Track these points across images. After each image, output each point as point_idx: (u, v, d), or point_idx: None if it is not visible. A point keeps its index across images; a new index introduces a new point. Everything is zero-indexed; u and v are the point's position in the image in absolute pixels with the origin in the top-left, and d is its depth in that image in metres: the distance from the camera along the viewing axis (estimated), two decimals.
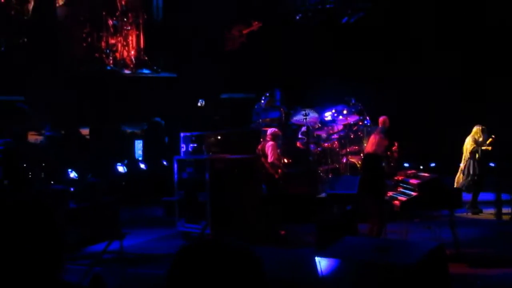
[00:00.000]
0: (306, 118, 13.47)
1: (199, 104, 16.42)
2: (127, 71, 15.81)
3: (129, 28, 16.04)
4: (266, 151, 11.62)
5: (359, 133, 14.11)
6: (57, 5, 14.64)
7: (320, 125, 14.23)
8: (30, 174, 12.61)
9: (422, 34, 16.68)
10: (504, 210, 12.92)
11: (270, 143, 11.55)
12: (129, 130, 16.26)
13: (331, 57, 15.89)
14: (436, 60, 16.41)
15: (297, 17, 16.50)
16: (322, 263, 5.77)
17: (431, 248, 6.09)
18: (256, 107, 14.46)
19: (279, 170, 11.66)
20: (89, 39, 15.49)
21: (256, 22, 16.57)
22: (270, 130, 11.95)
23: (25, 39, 14.68)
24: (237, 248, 2.16)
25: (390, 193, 12.05)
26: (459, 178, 13.92)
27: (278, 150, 11.92)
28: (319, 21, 16.60)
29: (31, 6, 14.25)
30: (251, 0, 17.03)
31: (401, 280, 5.63)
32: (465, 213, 13.50)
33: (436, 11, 15.84)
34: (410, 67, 15.76)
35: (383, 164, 12.02)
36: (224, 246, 2.14)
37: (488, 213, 13.56)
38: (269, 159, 11.52)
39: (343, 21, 16.98)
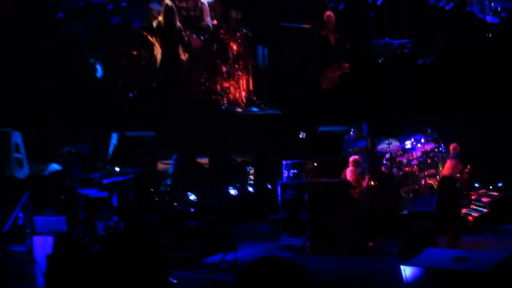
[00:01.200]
0: (389, 147, 14.27)
1: (300, 136, 17.11)
2: (238, 109, 16.37)
3: (240, 73, 16.56)
4: (346, 175, 12.34)
5: (435, 158, 14.69)
6: (180, 56, 15.78)
7: (401, 152, 14.88)
8: (156, 198, 13.54)
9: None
10: None
11: (350, 168, 12.31)
12: (240, 159, 17.02)
13: (409, 93, 16.13)
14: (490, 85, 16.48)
15: (380, 61, 17.53)
16: (406, 271, 6.29)
17: (502, 257, 6.32)
18: (346, 137, 15.31)
19: (357, 190, 12.16)
20: (207, 83, 16.33)
21: (347, 65, 17.43)
22: (351, 158, 12.62)
23: (154, 84, 15.70)
24: (287, 263, 2.79)
25: (464, 210, 13.21)
26: None
27: (357, 175, 12.38)
28: (399, 63, 17.70)
29: (158, 57, 15.25)
30: (343, 46, 17.75)
31: (475, 285, 6.04)
32: None
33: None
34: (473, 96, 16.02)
35: (457, 185, 12.23)
36: (279, 261, 2.79)
37: None
38: (350, 179, 12.16)
39: (419, 62, 17.73)
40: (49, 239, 9.33)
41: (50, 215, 10.42)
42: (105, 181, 11.96)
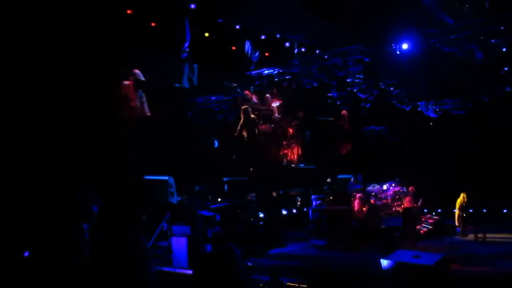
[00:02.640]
0: (374, 188, 16.92)
1: (328, 180, 18.73)
2: (293, 165, 18.69)
3: (294, 145, 19.02)
4: (354, 204, 15.26)
5: (401, 195, 16.65)
6: (258, 137, 17.56)
7: (381, 192, 16.93)
8: (241, 216, 15.65)
9: None
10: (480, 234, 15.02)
11: (356, 201, 15.29)
12: (293, 193, 19.44)
13: (385, 158, 19.01)
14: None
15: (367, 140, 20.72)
16: (384, 263, 8.54)
17: (441, 257, 8.99)
18: (349, 183, 16.96)
19: (359, 214, 15.08)
20: (275, 150, 18.56)
21: (351, 144, 20.34)
22: (358, 195, 15.48)
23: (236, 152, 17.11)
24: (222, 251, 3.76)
25: (418, 227, 15.54)
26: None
27: (360, 205, 15.25)
28: (378, 140, 20.71)
29: (245, 133, 17.04)
30: (350, 131, 20.53)
31: (425, 274, 8.25)
32: (458, 236, 15.71)
33: None
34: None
35: (414, 211, 14.89)
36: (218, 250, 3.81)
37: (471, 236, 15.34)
38: (355, 208, 15.28)
39: (391, 140, 20.77)
40: (182, 239, 11.79)
41: (182, 225, 12.35)
42: (212, 207, 14.62)
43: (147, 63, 14.55)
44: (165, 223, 12.58)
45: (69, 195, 9.02)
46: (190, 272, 9.73)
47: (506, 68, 13.94)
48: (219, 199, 15.52)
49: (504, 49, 11.84)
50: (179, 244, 11.66)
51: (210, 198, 15.44)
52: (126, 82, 14.73)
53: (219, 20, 15.15)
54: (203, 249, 11.85)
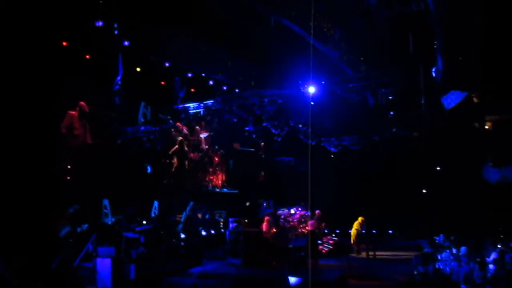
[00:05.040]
0: (283, 212, 16.81)
1: (246, 204, 18.96)
2: (217, 189, 18.94)
3: (218, 171, 19.43)
4: (263, 227, 14.82)
5: (306, 219, 16.33)
6: (186, 164, 17.56)
7: (289, 215, 16.91)
8: (164, 237, 14.74)
9: None
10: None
11: (265, 223, 14.90)
12: (217, 214, 18.26)
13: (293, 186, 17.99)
14: None
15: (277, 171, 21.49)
16: (291, 279, 9.41)
17: (340, 273, 9.89)
18: (262, 207, 17.09)
19: (267, 235, 14.72)
20: (202, 175, 18.75)
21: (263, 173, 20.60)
22: (266, 218, 15.15)
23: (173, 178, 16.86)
24: None
25: (320, 247, 15.55)
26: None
27: (268, 227, 14.83)
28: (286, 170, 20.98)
29: (176, 163, 17.09)
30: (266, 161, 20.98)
31: (326, 287, 9.02)
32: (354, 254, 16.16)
33: None
34: None
35: (317, 232, 15.00)
36: None
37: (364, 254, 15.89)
38: (264, 230, 14.79)
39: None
40: (106, 260, 10.85)
41: (106, 246, 11.58)
42: (137, 229, 13.87)
43: (86, 92, 14.37)
44: (90, 245, 11.75)
45: None
46: None
47: (392, 113, 14.82)
48: (144, 222, 15.05)
49: (390, 97, 12.83)
50: (104, 265, 10.82)
51: (138, 219, 15.00)
52: (72, 113, 14.63)
53: (150, 58, 15.05)
54: (127, 270, 11.22)
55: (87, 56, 13.88)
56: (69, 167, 13.87)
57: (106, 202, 14.27)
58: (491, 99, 14.99)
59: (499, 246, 12.36)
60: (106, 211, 14.30)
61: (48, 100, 12.44)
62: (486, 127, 16.20)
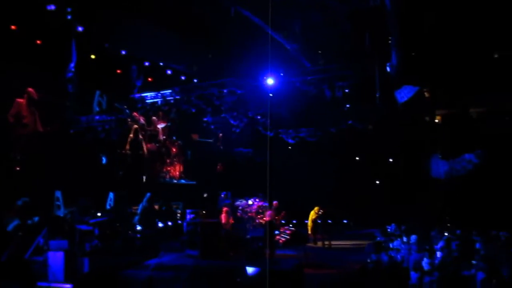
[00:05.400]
0: (241, 203, 16.70)
1: (204, 195, 18.72)
2: (174, 180, 19.16)
3: (176, 163, 19.62)
4: (222, 217, 14.48)
5: (264, 209, 16.51)
6: (143, 154, 17.52)
7: (247, 206, 16.85)
8: (120, 229, 14.43)
9: None
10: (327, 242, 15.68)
11: (223, 214, 14.59)
12: (174, 206, 17.69)
13: (252, 178, 17.69)
14: None
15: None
16: (249, 270, 9.42)
17: (296, 262, 9.81)
18: (220, 198, 16.76)
19: (226, 226, 14.31)
20: (159, 168, 18.82)
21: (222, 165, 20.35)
22: (224, 209, 14.80)
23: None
24: None
25: (278, 237, 15.41)
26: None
27: (226, 217, 14.40)
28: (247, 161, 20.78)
29: (128, 148, 16.99)
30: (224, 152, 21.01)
31: (283, 276, 9.00)
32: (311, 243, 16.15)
33: None
34: None
35: (274, 223, 14.74)
36: None
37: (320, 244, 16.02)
38: (223, 221, 14.49)
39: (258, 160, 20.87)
40: (58, 253, 10.48)
41: (59, 239, 11.18)
42: (91, 221, 13.56)
43: (37, 79, 13.74)
44: (41, 238, 11.42)
45: None
46: (68, 286, 9.51)
47: (348, 106, 15.13)
48: (99, 214, 14.69)
49: (346, 90, 13.08)
50: (56, 258, 10.43)
51: (93, 212, 14.62)
52: (20, 100, 14.00)
53: (106, 45, 14.51)
54: (80, 263, 10.87)
55: (38, 42, 13.09)
56: (18, 157, 13.34)
57: (58, 194, 13.86)
58: (441, 94, 15.39)
59: (446, 234, 12.88)
60: (59, 203, 13.91)
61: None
62: (436, 120, 16.35)
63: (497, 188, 14.46)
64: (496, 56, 13.51)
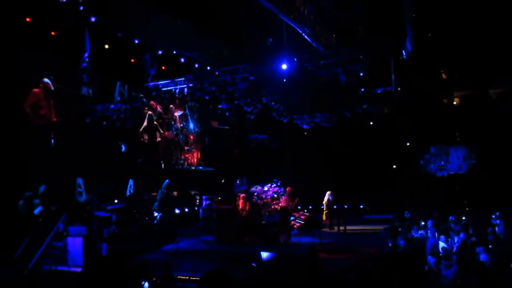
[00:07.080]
0: (256, 189, 16.22)
1: (222, 182, 18.94)
2: (192, 167, 18.85)
3: (194, 150, 19.33)
4: (239, 203, 14.71)
5: (279, 195, 16.28)
6: (158, 141, 17.28)
7: (262, 192, 16.32)
8: (137, 215, 14.89)
9: None
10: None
11: (240, 200, 14.81)
12: (192, 192, 18.20)
13: (266, 163, 18.93)
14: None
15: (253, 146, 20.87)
16: (263, 254, 8.88)
17: (311, 246, 9.01)
18: (235, 185, 16.26)
19: (243, 212, 14.75)
20: (177, 154, 18.59)
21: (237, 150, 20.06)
22: (242, 195, 14.95)
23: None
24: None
25: (292, 222, 15.62)
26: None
27: (244, 203, 14.76)
28: (264, 148, 20.92)
29: (146, 137, 16.64)
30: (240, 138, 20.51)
31: (298, 263, 8.22)
32: (326, 229, 16.20)
33: None
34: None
35: (289, 208, 14.82)
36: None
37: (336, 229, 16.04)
38: (239, 207, 14.65)
39: (272, 147, 20.88)
40: (77, 239, 10.92)
41: (78, 225, 11.61)
42: (108, 208, 13.87)
43: (52, 70, 13.86)
44: (60, 224, 11.68)
45: None
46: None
47: (362, 90, 14.74)
48: (116, 200, 14.83)
49: (361, 74, 12.73)
50: (75, 244, 10.91)
51: (112, 198, 14.82)
52: (36, 90, 14.01)
53: (119, 34, 14.42)
54: (98, 249, 11.10)
55: (53, 33, 13.09)
56: (38, 146, 13.41)
57: (80, 181, 14.09)
58: (459, 76, 15.09)
59: (463, 218, 12.48)
60: (80, 189, 14.12)
61: (12, 78, 12.14)
62: (454, 102, 16.11)
63: None
64: None
